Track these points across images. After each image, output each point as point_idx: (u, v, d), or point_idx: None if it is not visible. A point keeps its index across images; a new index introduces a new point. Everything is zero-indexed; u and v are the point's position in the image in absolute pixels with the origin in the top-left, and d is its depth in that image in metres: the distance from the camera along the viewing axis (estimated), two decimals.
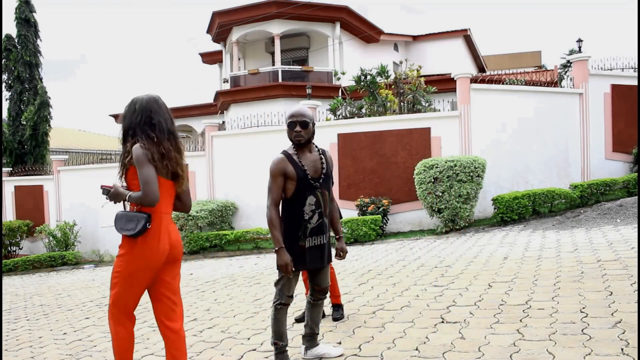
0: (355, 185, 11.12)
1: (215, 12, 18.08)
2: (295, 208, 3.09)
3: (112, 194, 2.67)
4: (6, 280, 11.36)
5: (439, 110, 11.85)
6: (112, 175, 14.94)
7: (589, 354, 2.94)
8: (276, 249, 3.03)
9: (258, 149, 12.02)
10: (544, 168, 10.83)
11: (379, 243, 9.54)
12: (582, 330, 3.33)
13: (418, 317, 4.10)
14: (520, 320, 3.70)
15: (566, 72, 18.63)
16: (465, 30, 21.89)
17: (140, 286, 2.70)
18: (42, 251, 14.28)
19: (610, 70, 12.16)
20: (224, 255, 10.78)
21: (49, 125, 19.45)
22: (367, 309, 4.58)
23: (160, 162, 2.64)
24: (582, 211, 9.44)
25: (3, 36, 19.34)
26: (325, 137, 11.17)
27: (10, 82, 19.90)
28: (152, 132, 2.68)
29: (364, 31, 18.94)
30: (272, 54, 19.08)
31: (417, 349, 3.38)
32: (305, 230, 3.10)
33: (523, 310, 3.94)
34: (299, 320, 4.42)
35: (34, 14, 20.02)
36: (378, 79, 12.51)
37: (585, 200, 9.96)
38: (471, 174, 9.16)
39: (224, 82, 20.07)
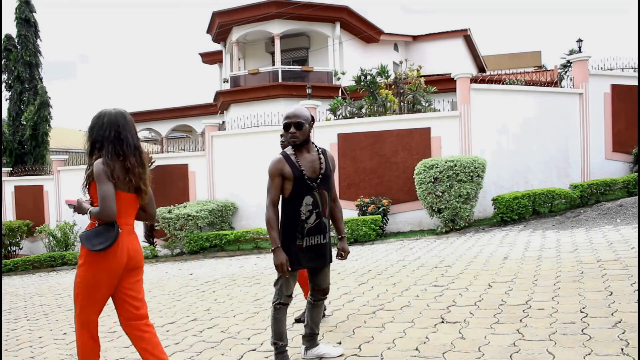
0: (355, 185, 11.12)
1: (215, 12, 18.09)
2: (292, 208, 3.11)
3: (76, 209, 2.83)
4: (6, 280, 11.36)
5: (439, 110, 11.85)
6: None
7: (589, 354, 2.94)
8: (272, 248, 3.06)
9: (258, 149, 12.02)
10: (544, 168, 10.83)
11: (379, 243, 9.54)
12: (582, 330, 3.33)
13: (418, 317, 4.10)
14: (520, 320, 3.70)
15: (566, 72, 18.63)
16: (465, 30, 21.90)
17: (102, 294, 2.80)
18: (42, 251, 14.28)
19: (610, 70, 12.16)
20: (224, 255, 10.78)
21: (49, 125, 19.44)
22: (367, 309, 4.58)
23: (123, 177, 2.75)
24: (582, 211, 9.44)
25: (3, 36, 19.34)
26: (325, 137, 11.17)
27: (10, 82, 19.90)
28: (119, 147, 2.76)
29: (364, 31, 18.95)
30: (272, 54, 19.09)
31: (417, 349, 3.38)
32: (302, 230, 3.11)
33: (523, 310, 3.94)
34: (298, 320, 4.42)
35: (34, 14, 20.01)
36: (378, 79, 12.50)
37: (585, 200, 9.96)
38: (471, 174, 9.16)
39: (224, 82, 20.07)
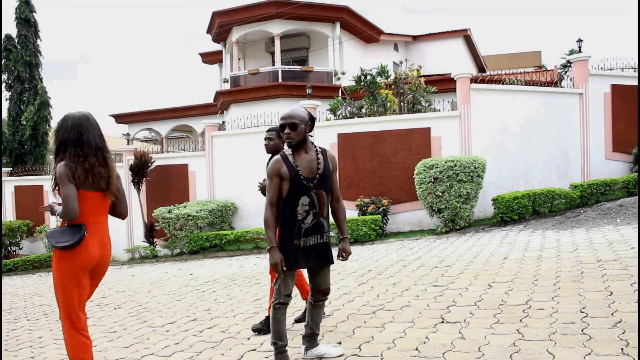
0: (355, 185, 11.12)
1: (215, 12, 18.09)
2: (289, 208, 3.13)
3: (51, 212, 2.95)
4: (6, 280, 11.36)
5: (439, 110, 11.85)
6: None
7: (589, 354, 2.94)
8: (268, 248, 3.09)
9: (258, 149, 11.95)
10: (544, 168, 10.83)
11: (379, 243, 9.54)
12: (582, 330, 3.33)
13: (418, 317, 4.10)
14: (520, 320, 3.70)
15: (566, 72, 18.63)
16: (465, 30, 21.90)
17: (80, 289, 2.91)
18: (42, 251, 14.29)
19: (610, 70, 12.16)
20: (224, 255, 10.78)
21: (49, 125, 19.45)
22: (367, 309, 4.58)
23: (84, 178, 2.84)
24: (582, 211, 9.44)
25: (3, 36, 19.34)
26: (325, 137, 11.17)
27: (10, 82, 19.91)
28: (80, 148, 2.86)
29: (364, 31, 18.94)
30: (272, 54, 19.08)
31: (417, 349, 3.38)
32: (299, 230, 3.12)
33: (523, 310, 3.93)
34: (298, 320, 4.42)
35: (34, 14, 20.03)
36: (378, 79, 12.50)
37: (585, 200, 9.96)
38: (471, 174, 9.16)
39: (224, 82, 20.07)
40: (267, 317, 4.22)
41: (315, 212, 3.14)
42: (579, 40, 12.50)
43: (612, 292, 4.12)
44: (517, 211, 9.38)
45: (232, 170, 12.61)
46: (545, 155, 10.84)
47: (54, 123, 20.00)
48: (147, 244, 12.34)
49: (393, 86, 12.42)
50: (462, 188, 9.11)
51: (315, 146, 3.25)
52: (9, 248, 14.81)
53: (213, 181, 12.89)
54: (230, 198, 12.51)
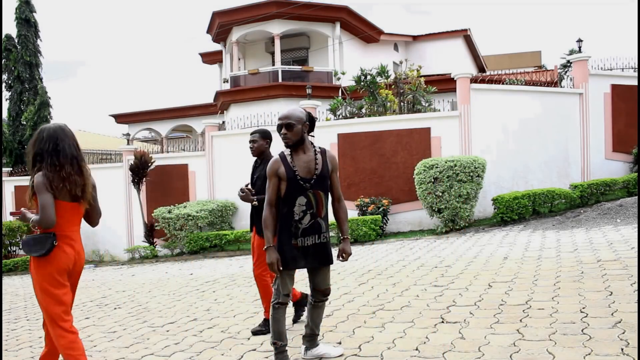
0: (355, 185, 11.12)
1: (215, 12, 18.09)
2: (286, 208, 3.15)
3: (21, 219, 3.02)
4: (6, 280, 11.36)
5: (439, 110, 11.85)
6: (111, 175, 14.95)
7: (589, 354, 2.94)
8: (265, 247, 3.11)
9: None
10: (544, 168, 10.83)
11: (379, 243, 9.54)
12: (582, 330, 3.33)
13: (418, 317, 4.10)
14: (520, 320, 3.70)
15: (566, 72, 18.64)
16: (465, 30, 21.90)
17: (61, 289, 2.98)
18: None
19: (610, 70, 12.16)
20: (224, 255, 10.78)
21: None
22: (367, 309, 4.58)
23: (61, 187, 2.94)
24: (582, 211, 9.44)
25: (3, 36, 19.34)
26: (325, 137, 11.17)
27: (10, 82, 19.90)
28: (56, 158, 2.96)
29: (364, 31, 18.94)
30: (272, 54, 19.08)
31: (417, 349, 3.38)
32: (297, 231, 3.14)
33: (523, 310, 3.93)
34: (294, 321, 4.42)
35: (34, 14, 20.03)
36: (378, 79, 12.50)
37: (585, 200, 9.96)
38: (471, 174, 9.16)
39: (224, 82, 20.07)
40: (265, 320, 4.24)
41: (313, 212, 3.14)
42: (579, 40, 12.50)
43: (612, 292, 4.12)
44: (517, 211, 9.38)
45: (232, 170, 12.60)
46: (545, 155, 10.84)
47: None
48: (147, 244, 12.34)
49: (393, 86, 12.42)
50: (462, 188, 9.11)
51: (314, 146, 3.25)
52: (9, 248, 14.80)
53: (213, 181, 12.89)
54: (230, 198, 12.50)
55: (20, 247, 3.01)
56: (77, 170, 3.03)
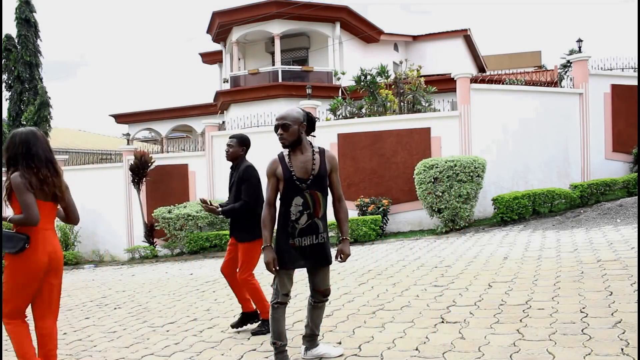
0: (355, 185, 11.12)
1: (215, 12, 18.09)
2: (284, 208, 3.17)
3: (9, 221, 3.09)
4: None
5: (439, 110, 11.85)
6: (112, 175, 14.92)
7: (589, 354, 2.94)
8: (262, 247, 3.14)
9: (258, 149, 11.94)
10: (544, 168, 10.83)
11: (379, 243, 9.54)
12: (582, 330, 3.33)
13: (418, 317, 4.10)
14: (520, 320, 3.70)
15: (566, 72, 18.63)
16: (465, 30, 21.90)
17: (26, 292, 3.08)
18: None
19: (610, 70, 12.16)
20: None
21: (49, 125, 19.44)
22: (367, 309, 4.58)
23: (39, 188, 3.07)
24: (582, 211, 9.44)
25: (3, 36, 19.33)
26: (325, 137, 11.17)
27: (10, 82, 19.88)
28: (31, 161, 3.08)
29: (364, 31, 18.94)
30: (272, 54, 19.08)
31: (417, 349, 3.38)
32: (293, 231, 3.15)
33: (523, 310, 3.94)
34: (232, 326, 4.42)
35: (34, 14, 20.00)
36: (378, 79, 12.50)
37: (585, 200, 9.96)
38: (471, 174, 9.16)
39: (224, 82, 20.07)
40: (263, 321, 4.24)
41: (310, 212, 3.15)
42: (579, 40, 12.51)
43: (612, 292, 4.12)
44: (517, 211, 9.38)
45: None
46: (545, 155, 10.84)
47: (54, 123, 20.07)
48: (147, 244, 12.33)
49: (393, 86, 12.42)
50: (462, 188, 9.11)
51: (312, 146, 3.25)
52: None
53: (213, 181, 12.88)
54: None
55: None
56: (53, 172, 3.16)
